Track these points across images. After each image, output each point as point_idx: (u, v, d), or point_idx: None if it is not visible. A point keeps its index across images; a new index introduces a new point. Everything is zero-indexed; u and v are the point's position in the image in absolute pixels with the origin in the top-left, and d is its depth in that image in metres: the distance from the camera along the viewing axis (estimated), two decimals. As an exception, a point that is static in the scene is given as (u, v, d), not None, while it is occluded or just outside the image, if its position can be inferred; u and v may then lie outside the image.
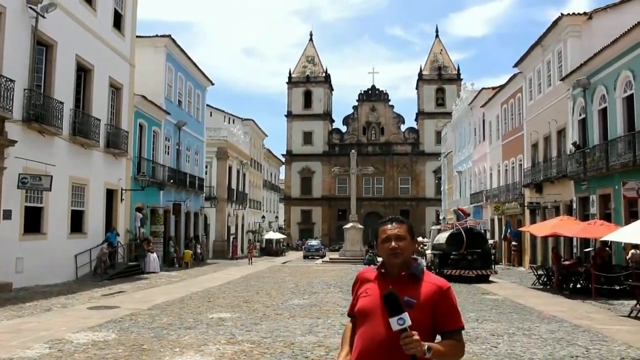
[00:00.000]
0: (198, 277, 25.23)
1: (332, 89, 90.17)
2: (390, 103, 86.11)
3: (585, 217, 23.62)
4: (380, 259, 3.00)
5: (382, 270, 2.87)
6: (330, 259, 42.97)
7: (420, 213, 79.75)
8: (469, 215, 38.28)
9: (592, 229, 18.28)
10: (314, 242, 55.26)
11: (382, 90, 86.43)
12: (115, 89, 25.76)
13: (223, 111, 57.37)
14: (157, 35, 32.44)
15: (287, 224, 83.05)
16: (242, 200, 53.03)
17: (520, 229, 29.71)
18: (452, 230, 26.52)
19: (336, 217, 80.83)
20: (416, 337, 2.50)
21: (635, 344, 9.85)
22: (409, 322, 2.51)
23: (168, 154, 33.65)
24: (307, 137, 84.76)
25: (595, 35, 24.36)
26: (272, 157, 76.91)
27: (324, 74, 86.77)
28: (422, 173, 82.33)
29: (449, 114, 65.02)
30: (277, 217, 78.67)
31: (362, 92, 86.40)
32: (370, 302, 2.76)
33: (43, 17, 18.73)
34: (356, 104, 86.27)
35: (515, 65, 33.24)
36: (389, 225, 2.88)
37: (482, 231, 31.13)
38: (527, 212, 31.94)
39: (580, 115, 25.29)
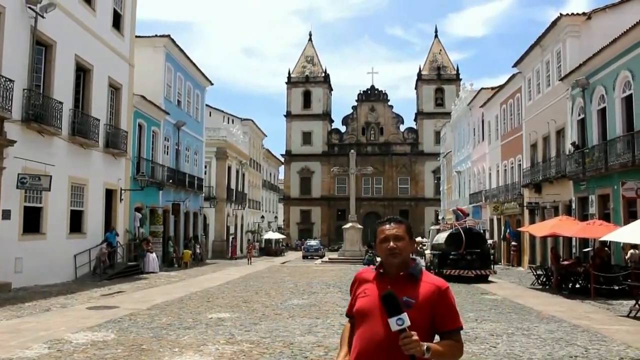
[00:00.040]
0: (197, 277, 25.22)
1: (332, 89, 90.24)
2: (389, 103, 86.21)
3: (584, 217, 23.64)
4: (379, 259, 3.01)
5: (381, 271, 2.87)
6: (329, 259, 42.98)
7: (419, 213, 79.78)
8: (468, 215, 38.31)
9: (591, 229, 18.29)
10: (313, 242, 55.26)
11: (382, 91, 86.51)
12: (115, 89, 25.76)
13: (222, 111, 57.36)
14: (156, 35, 32.44)
15: (287, 224, 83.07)
16: (241, 200, 53.02)
17: (519, 229, 29.71)
18: (451, 230, 26.55)
19: (335, 217, 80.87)
20: (415, 337, 2.51)
21: (634, 343, 9.86)
22: (408, 323, 2.51)
23: (167, 154, 33.65)
24: (307, 137, 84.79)
25: (594, 36, 24.38)
26: (271, 157, 76.91)
27: (323, 74, 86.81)
28: (421, 173, 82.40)
29: (448, 114, 65.03)
30: (276, 217, 78.67)
31: (362, 92, 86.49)
32: (369, 303, 2.76)
33: (42, 17, 18.73)
34: (355, 104, 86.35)
35: (515, 66, 33.27)
36: (387, 226, 2.88)
37: (481, 231, 31.15)
38: (526, 212, 31.96)
39: (579, 115, 25.31)
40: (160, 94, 32.02)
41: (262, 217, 64.72)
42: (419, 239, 55.08)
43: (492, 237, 38.49)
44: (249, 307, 14.59)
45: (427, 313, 2.71)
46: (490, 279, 23.96)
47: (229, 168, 49.09)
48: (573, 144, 25.08)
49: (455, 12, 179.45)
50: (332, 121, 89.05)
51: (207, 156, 44.50)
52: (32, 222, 19.10)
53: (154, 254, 27.34)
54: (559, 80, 26.80)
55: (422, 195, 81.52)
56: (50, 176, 18.42)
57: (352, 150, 49.83)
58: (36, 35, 18.73)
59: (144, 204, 29.20)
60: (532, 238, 29.92)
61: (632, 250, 18.43)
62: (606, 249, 20.26)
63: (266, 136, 69.59)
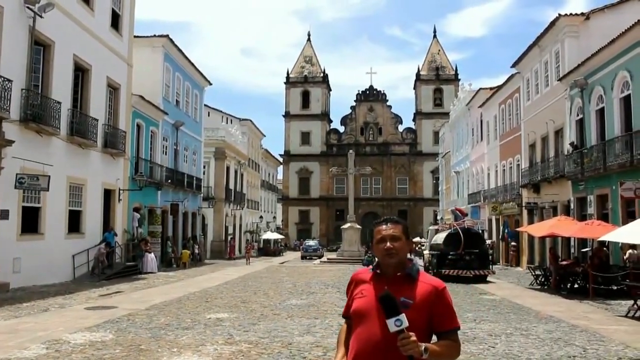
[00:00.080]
0: (196, 277, 25.21)
1: (330, 89, 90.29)
2: (388, 103, 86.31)
3: (582, 217, 23.65)
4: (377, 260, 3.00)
5: (378, 271, 2.87)
6: (328, 259, 42.99)
7: (418, 213, 79.85)
8: (466, 216, 38.29)
9: (589, 229, 18.30)
10: (311, 242, 55.23)
11: (380, 91, 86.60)
12: (113, 89, 25.73)
13: (221, 111, 57.33)
14: (154, 35, 32.42)
15: (285, 224, 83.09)
16: (239, 201, 52.99)
17: (518, 229, 29.73)
18: (450, 230, 26.54)
19: (334, 217, 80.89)
20: (413, 338, 2.50)
21: (632, 343, 9.86)
22: (406, 324, 2.51)
23: (166, 154, 33.62)
24: (305, 138, 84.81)
25: (592, 36, 24.39)
26: (270, 157, 76.89)
27: (322, 74, 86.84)
28: (420, 173, 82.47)
29: (446, 114, 65.04)
30: (274, 217, 78.67)
31: (360, 92, 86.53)
32: (366, 303, 2.76)
33: (40, 17, 18.70)
34: (354, 104, 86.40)
35: (513, 66, 33.28)
36: (384, 226, 2.87)
37: (480, 231, 31.16)
38: (524, 212, 31.97)
39: (577, 115, 25.32)
40: (158, 94, 32.00)
41: (261, 217, 64.69)
42: (417, 239, 55.14)
43: (490, 237, 38.50)
44: (247, 307, 14.58)
45: (424, 313, 2.70)
46: (488, 279, 23.96)
47: (228, 168, 49.08)
48: (571, 144, 25.09)
49: (454, 12, 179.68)
50: (331, 121, 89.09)
51: (206, 156, 44.48)
52: (31, 222, 19.08)
53: (152, 254, 27.33)
54: (558, 81, 26.81)
55: (420, 196, 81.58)
56: (49, 176, 18.40)
57: (351, 151, 49.86)
58: (34, 35, 18.70)
59: (142, 204, 29.17)
60: (531, 238, 29.94)
61: (630, 251, 18.43)
62: (605, 249, 20.26)
63: (265, 136, 69.63)
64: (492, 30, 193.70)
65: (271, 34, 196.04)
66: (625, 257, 18.86)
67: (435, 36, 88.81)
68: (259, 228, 62.58)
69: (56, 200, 20.32)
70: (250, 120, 61.28)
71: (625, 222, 18.17)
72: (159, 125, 32.20)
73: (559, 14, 26.18)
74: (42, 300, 15.09)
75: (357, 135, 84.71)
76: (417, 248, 51.00)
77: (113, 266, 23.87)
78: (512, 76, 35.00)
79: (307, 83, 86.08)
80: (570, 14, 26.32)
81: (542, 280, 21.14)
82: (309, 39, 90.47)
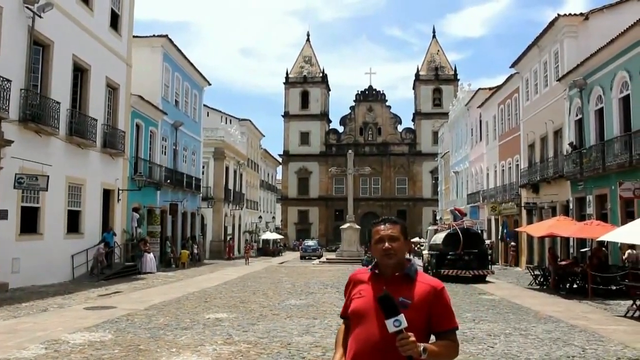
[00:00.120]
0: (195, 277, 25.21)
1: (329, 89, 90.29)
2: (387, 103, 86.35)
3: (581, 217, 23.66)
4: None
5: (376, 271, 2.86)
6: (327, 259, 42.99)
7: (417, 213, 79.87)
8: (465, 216, 38.31)
9: (588, 229, 18.31)
10: (311, 243, 55.21)
11: (379, 91, 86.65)
12: (112, 89, 25.72)
13: (220, 111, 57.36)
14: (154, 35, 32.40)
15: (284, 224, 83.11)
16: (239, 201, 52.99)
17: (517, 229, 29.75)
18: (449, 230, 26.55)
19: (333, 218, 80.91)
20: (412, 338, 2.50)
21: (631, 344, 9.87)
22: (405, 324, 2.50)
23: (165, 154, 33.61)
24: (304, 138, 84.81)
25: (591, 36, 24.40)
26: (269, 158, 76.90)
27: (321, 75, 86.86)
28: (419, 173, 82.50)
29: (445, 115, 65.07)
30: (274, 217, 78.69)
31: (359, 92, 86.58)
32: (365, 304, 2.76)
33: (40, 16, 18.69)
34: (353, 104, 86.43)
35: (512, 66, 33.29)
36: (382, 226, 2.87)
37: (479, 231, 31.18)
38: (523, 212, 31.98)
39: (576, 115, 25.34)
40: (157, 94, 31.99)
41: (260, 217, 64.70)
42: (416, 239, 55.14)
43: (489, 237, 38.52)
44: (246, 307, 14.58)
45: (423, 313, 2.70)
46: (487, 279, 23.96)
47: (227, 168, 49.07)
48: (571, 144, 25.10)
49: (453, 12, 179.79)
50: (330, 121, 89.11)
51: (205, 156, 44.46)
52: (30, 222, 19.06)
53: (151, 254, 27.32)
54: (557, 81, 26.83)
55: (419, 196, 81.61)
56: (48, 176, 18.39)
57: (350, 151, 49.88)
58: (33, 35, 18.69)
59: (141, 204, 29.16)
60: (530, 238, 29.96)
61: (629, 251, 18.45)
62: (603, 249, 20.28)
63: (264, 136, 69.64)
64: (491, 30, 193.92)
65: (270, 34, 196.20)
66: (624, 257, 18.87)
67: (434, 36, 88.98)
68: (258, 228, 62.58)
69: (55, 200, 20.31)
70: (250, 121, 61.28)
71: (624, 222, 18.19)
72: (158, 125, 32.19)
73: (558, 14, 26.19)
74: (41, 301, 15.08)
75: (356, 135, 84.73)
76: (416, 248, 50.98)
77: (112, 266, 23.86)
78: (511, 76, 35.01)
79: (307, 83, 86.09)
80: (570, 14, 26.33)
81: (541, 280, 21.15)
82: (308, 39, 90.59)
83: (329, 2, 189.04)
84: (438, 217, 62.25)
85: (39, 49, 19.60)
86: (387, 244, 2.80)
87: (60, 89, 20.55)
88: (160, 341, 9.71)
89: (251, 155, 61.94)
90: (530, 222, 29.49)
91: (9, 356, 8.39)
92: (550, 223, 21.23)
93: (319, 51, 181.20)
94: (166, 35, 32.56)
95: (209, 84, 42.36)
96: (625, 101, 21.01)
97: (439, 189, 67.78)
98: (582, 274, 18.97)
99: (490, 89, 40.83)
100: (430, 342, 2.70)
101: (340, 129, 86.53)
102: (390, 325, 2.51)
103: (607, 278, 17.91)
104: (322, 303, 15.63)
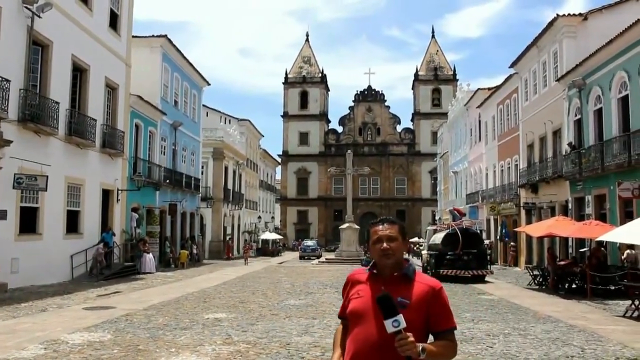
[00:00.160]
0: (194, 277, 25.21)
1: (328, 90, 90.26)
2: (386, 103, 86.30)
3: (580, 217, 23.68)
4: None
5: (374, 271, 2.86)
6: (326, 259, 42.99)
7: (416, 213, 79.88)
8: (464, 216, 38.32)
9: (587, 229, 18.33)
10: (310, 243, 55.20)
11: (378, 91, 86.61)
12: (111, 89, 25.72)
13: (219, 111, 57.33)
14: (153, 36, 32.39)
15: (283, 224, 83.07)
16: (238, 201, 52.99)
17: (516, 229, 29.77)
18: (448, 230, 26.55)
19: (332, 218, 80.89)
20: (411, 338, 2.50)
21: (630, 343, 9.88)
22: (404, 324, 2.51)
23: (164, 154, 33.60)
24: (303, 138, 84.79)
25: (590, 36, 24.42)
26: (268, 158, 76.90)
27: (320, 75, 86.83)
28: (418, 173, 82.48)
29: (445, 115, 65.11)
30: (273, 217, 78.67)
31: (358, 92, 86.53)
32: (363, 304, 2.76)
33: (39, 17, 18.68)
34: (352, 104, 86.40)
35: (511, 66, 33.31)
36: (380, 226, 2.87)
37: (478, 231, 31.21)
38: (522, 212, 32.00)
39: (575, 115, 25.36)
40: (157, 94, 31.99)
41: (259, 217, 64.69)
42: (415, 239, 55.16)
43: (488, 237, 38.54)
44: (245, 307, 14.59)
45: (421, 313, 2.70)
46: (487, 279, 23.97)
47: (226, 168, 49.06)
48: (569, 144, 25.12)
49: (452, 12, 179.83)
50: (329, 121, 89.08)
51: (204, 156, 44.46)
52: (29, 222, 19.05)
53: (150, 255, 27.32)
54: (556, 81, 26.84)
55: (419, 196, 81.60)
56: (47, 176, 18.39)
57: (349, 151, 49.89)
58: (33, 35, 18.69)
59: (140, 204, 29.16)
60: (529, 238, 29.96)
61: (628, 251, 18.46)
62: (602, 249, 20.31)
63: (263, 136, 69.61)
64: (490, 30, 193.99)
65: (269, 34, 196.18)
66: (623, 257, 18.90)
67: (433, 36, 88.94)
68: (258, 228, 62.56)
69: (54, 201, 20.31)
70: (249, 121, 61.26)
71: (623, 222, 18.21)
72: (157, 125, 32.19)
73: (557, 15, 26.19)
74: (40, 301, 15.08)
75: (355, 135, 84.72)
76: (415, 248, 50.98)
77: (111, 266, 23.86)
78: (510, 76, 35.03)
79: (306, 83, 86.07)
80: (569, 14, 26.32)
81: (540, 280, 21.16)
82: (307, 39, 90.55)
83: (328, 2, 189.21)
84: (437, 217, 62.26)
85: (38, 49, 19.60)
86: (385, 244, 2.80)
87: (59, 89, 20.55)
88: (160, 341, 9.71)
89: (250, 156, 61.94)
90: (529, 222, 29.51)
91: (8, 356, 8.39)
92: (549, 223, 21.24)
93: (318, 51, 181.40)
94: (165, 36, 32.56)
95: (208, 84, 42.39)
96: (624, 101, 21.03)
97: (438, 189, 67.79)
98: (581, 274, 18.99)
99: (489, 89, 40.85)
100: (428, 342, 2.70)
101: (340, 129, 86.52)
102: (389, 325, 2.51)
103: (606, 278, 17.93)
104: (321, 303, 15.64)
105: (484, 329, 11.42)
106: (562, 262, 21.34)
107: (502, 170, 37.41)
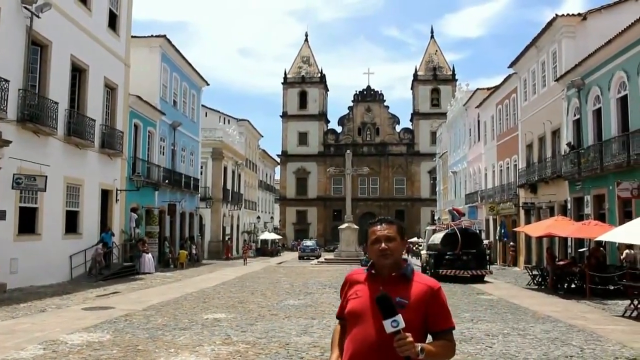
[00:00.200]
0: (193, 277, 25.20)
1: (328, 90, 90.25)
2: (385, 103, 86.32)
3: (579, 217, 23.70)
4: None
5: (373, 272, 2.86)
6: (325, 259, 42.99)
7: (415, 213, 79.90)
8: (464, 216, 38.33)
9: (586, 229, 18.34)
10: (309, 243, 55.21)
11: (378, 91, 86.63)
12: (110, 89, 25.71)
13: (218, 111, 57.34)
14: (152, 36, 32.38)
15: (283, 224, 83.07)
16: (237, 201, 52.98)
17: (515, 229, 29.78)
18: (447, 230, 26.56)
19: (331, 218, 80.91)
20: (410, 339, 2.50)
21: (629, 343, 9.88)
22: (402, 325, 2.51)
23: (163, 154, 33.59)
24: (303, 138, 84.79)
25: (589, 36, 24.44)
26: (267, 158, 76.89)
27: (319, 75, 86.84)
28: (417, 173, 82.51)
29: (444, 115, 65.14)
30: (272, 217, 78.67)
31: (358, 92, 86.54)
32: (361, 304, 2.75)
33: (38, 17, 18.67)
34: (351, 104, 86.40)
35: (510, 66, 33.32)
36: (379, 227, 2.87)
37: (477, 231, 31.20)
38: (521, 212, 32.01)
39: (574, 115, 25.37)
40: (156, 94, 31.97)
41: (258, 217, 64.69)
42: (415, 239, 55.16)
43: (488, 237, 38.55)
44: (244, 307, 14.58)
45: (420, 313, 2.70)
46: (486, 279, 23.99)
47: (225, 168, 49.06)
48: (568, 144, 25.13)
49: (451, 12, 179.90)
50: (328, 121, 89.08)
51: (203, 156, 44.45)
52: (28, 222, 19.03)
53: (149, 255, 27.30)
54: (555, 81, 26.85)
55: (418, 196, 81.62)
56: (46, 176, 18.38)
57: (348, 151, 49.89)
58: (32, 35, 18.68)
59: (139, 204, 29.15)
60: (528, 238, 29.98)
61: (627, 250, 18.48)
62: (601, 249, 20.32)
63: (262, 136, 69.64)
64: (489, 30, 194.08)
65: (269, 34, 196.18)
66: (622, 257, 18.91)
67: (432, 36, 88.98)
68: (257, 228, 62.55)
69: (53, 201, 20.29)
70: (248, 121, 61.26)
71: (622, 222, 18.22)
72: (157, 125, 32.17)
73: (556, 15, 26.21)
74: (39, 301, 15.07)
75: (354, 135, 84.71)
76: (414, 248, 51.00)
77: (110, 267, 23.84)
78: (509, 76, 35.05)
79: (305, 83, 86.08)
80: (568, 14, 26.33)
81: (539, 280, 21.17)
82: (306, 39, 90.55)
83: (327, 2, 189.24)
84: (436, 217, 62.25)
85: (37, 49, 19.58)
86: (383, 245, 2.80)
87: (58, 89, 20.54)
88: (159, 341, 9.71)
89: (249, 156, 61.94)
90: (528, 222, 29.52)
91: (7, 357, 8.38)
92: (548, 223, 21.25)
93: (317, 51, 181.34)
94: (164, 36, 32.55)
95: (207, 84, 42.39)
96: (623, 101, 21.05)
97: (437, 189, 67.82)
98: (580, 274, 19.00)
99: (488, 89, 40.87)
100: (427, 342, 2.70)
101: (339, 129, 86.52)
102: (388, 325, 2.51)
103: (605, 278, 17.94)
104: (320, 303, 15.64)
105: (483, 328, 11.42)
106: (561, 262, 21.35)
107: (501, 170, 37.43)
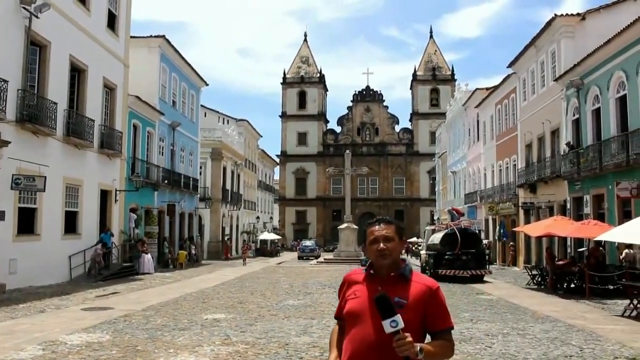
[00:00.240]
0: (192, 278, 25.19)
1: (327, 90, 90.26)
2: (384, 103, 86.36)
3: (579, 217, 23.70)
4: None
5: (371, 272, 2.86)
6: (324, 259, 42.98)
7: (414, 213, 79.91)
8: (463, 216, 38.34)
9: (585, 228, 18.34)
10: (308, 243, 55.17)
11: (377, 91, 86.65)
12: (109, 90, 25.69)
13: (217, 112, 57.30)
14: (151, 36, 32.37)
15: (282, 224, 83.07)
16: (236, 201, 52.96)
17: (514, 229, 29.79)
18: (447, 230, 26.57)
19: (331, 218, 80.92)
20: (409, 339, 2.50)
21: (628, 343, 9.89)
22: (401, 325, 2.50)
23: (162, 154, 33.57)
24: (302, 138, 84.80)
25: (588, 36, 24.45)
26: (266, 158, 76.88)
27: (318, 75, 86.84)
28: (417, 173, 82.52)
29: (443, 115, 65.16)
30: (271, 217, 78.64)
31: (357, 92, 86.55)
32: (360, 304, 2.75)
33: (37, 17, 18.65)
34: (351, 104, 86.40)
35: (509, 66, 33.33)
36: (377, 227, 2.86)
37: (477, 231, 31.20)
38: (521, 212, 32.03)
39: (573, 115, 25.38)
40: (155, 94, 31.95)
41: (258, 217, 64.66)
42: (414, 239, 55.18)
43: (487, 237, 38.56)
44: (244, 307, 14.58)
45: (418, 313, 2.70)
46: (485, 279, 23.99)
47: (224, 169, 49.04)
48: (568, 144, 25.14)
49: (450, 12, 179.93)
50: (328, 122, 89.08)
51: (202, 157, 44.42)
52: (27, 223, 19.02)
53: (149, 255, 27.29)
54: (554, 81, 26.86)
55: (417, 196, 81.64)
56: (45, 177, 18.36)
57: (348, 151, 49.89)
58: (30, 35, 18.66)
59: (139, 204, 29.14)
60: (527, 238, 29.99)
61: (626, 250, 18.49)
62: (601, 248, 20.32)
63: (261, 137, 69.60)
64: (488, 30, 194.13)
65: (268, 34, 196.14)
66: (621, 257, 18.93)
67: (431, 36, 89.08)
68: (256, 229, 62.53)
69: (52, 201, 20.28)
70: (247, 121, 61.24)
71: (621, 222, 18.23)
72: (156, 125, 32.16)
73: (555, 14, 26.22)
74: (38, 302, 15.06)
75: (353, 135, 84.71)
76: (413, 248, 51.00)
77: (110, 267, 23.82)
78: (508, 76, 35.06)
79: (304, 83, 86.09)
80: (566, 14, 26.34)
81: (539, 280, 21.17)
82: (305, 39, 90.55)
83: (326, 2, 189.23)
84: (436, 217, 62.27)
85: (35, 50, 19.56)
86: (381, 245, 2.80)
87: (57, 89, 20.52)
88: (158, 342, 9.70)
89: (249, 156, 61.92)
90: (527, 221, 29.53)
91: (6, 357, 8.38)
92: (548, 223, 21.25)
93: (317, 51, 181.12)
94: (163, 36, 32.53)
95: (206, 84, 42.37)
96: (622, 101, 21.05)
97: (436, 189, 67.82)
98: (580, 274, 19.01)
99: (487, 89, 40.88)
100: (425, 342, 2.70)
101: (338, 129, 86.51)
102: (387, 326, 2.51)
103: (604, 278, 17.95)
104: (319, 303, 15.64)
105: (483, 328, 11.42)
106: (561, 262, 21.36)
107: (501, 170, 37.45)
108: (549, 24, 26.73)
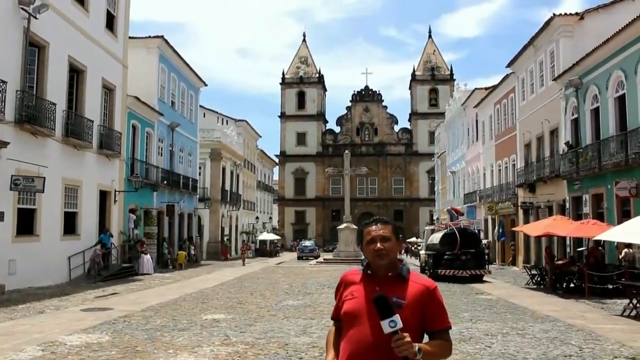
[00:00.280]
0: (192, 278, 25.18)
1: (326, 90, 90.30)
2: (383, 104, 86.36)
3: (578, 216, 23.71)
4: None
5: (368, 272, 2.85)
6: (324, 259, 42.96)
7: (414, 213, 79.93)
8: (462, 215, 38.37)
9: (585, 228, 18.34)
10: (308, 243, 55.17)
11: (376, 91, 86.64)
12: (108, 90, 25.68)
13: (216, 112, 57.28)
14: (150, 36, 32.37)
15: (281, 224, 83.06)
16: (235, 201, 52.96)
17: (513, 228, 29.80)
18: (446, 230, 26.56)
19: (330, 218, 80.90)
20: (408, 339, 2.50)
21: (628, 342, 9.89)
22: (400, 325, 2.50)
23: (161, 155, 33.55)
24: (301, 138, 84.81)
25: (587, 36, 24.46)
26: (265, 158, 76.86)
27: (317, 75, 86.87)
28: (416, 173, 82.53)
29: (442, 114, 65.17)
30: (271, 217, 78.62)
31: (356, 92, 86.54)
32: (357, 305, 2.75)
33: (35, 18, 18.64)
34: (350, 104, 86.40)
35: (508, 66, 33.34)
36: (374, 227, 2.86)
37: (476, 231, 31.20)
38: (520, 211, 32.04)
39: (572, 115, 25.39)
40: (154, 95, 31.94)
41: (257, 218, 64.65)
42: (413, 239, 55.19)
43: (486, 237, 38.56)
44: (243, 308, 14.57)
45: (416, 313, 2.70)
46: (484, 278, 23.98)
47: (224, 169, 49.03)
48: (567, 143, 25.15)
49: (449, 12, 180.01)
50: (327, 122, 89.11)
51: (202, 157, 44.41)
52: (26, 223, 19.01)
53: (148, 256, 27.28)
54: (553, 80, 26.87)
55: (416, 196, 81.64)
56: (44, 178, 18.35)
57: (347, 151, 49.89)
58: (29, 36, 18.64)
59: (138, 205, 29.12)
60: (527, 238, 29.99)
61: (625, 249, 18.50)
62: (600, 248, 20.33)
63: (260, 137, 69.59)
64: (487, 30, 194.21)
65: (267, 34, 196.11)
66: (620, 256, 18.93)
67: (430, 36, 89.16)
68: (255, 229, 62.52)
69: (51, 202, 20.26)
70: (246, 121, 61.25)
71: (620, 221, 18.24)
72: (155, 126, 32.15)
73: (554, 14, 26.24)
74: (37, 302, 15.05)
75: (352, 135, 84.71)
76: (413, 248, 51.01)
77: (109, 268, 23.80)
78: (507, 76, 35.06)
79: (303, 84, 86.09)
80: (565, 14, 26.37)
81: (538, 279, 21.17)
82: (304, 40, 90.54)
83: (325, 2, 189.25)
84: (435, 217, 62.29)
85: (34, 50, 19.54)
86: (378, 245, 2.79)
87: (56, 90, 20.50)
88: (158, 342, 9.70)
89: (248, 156, 61.91)
90: (527, 221, 29.53)
91: (6, 358, 8.37)
92: (547, 222, 21.26)
93: (315, 52, 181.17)
94: (162, 36, 32.52)
95: (205, 85, 42.36)
96: (621, 100, 21.07)
97: (435, 189, 67.84)
98: (579, 273, 19.01)
99: (486, 88, 40.89)
100: (423, 341, 2.70)
101: (337, 129, 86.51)
102: (386, 326, 2.51)
103: (603, 277, 17.95)
104: (319, 303, 15.63)
105: (482, 328, 11.42)
106: (560, 262, 21.36)
107: (500, 169, 37.45)
108: (547, 23, 26.74)
